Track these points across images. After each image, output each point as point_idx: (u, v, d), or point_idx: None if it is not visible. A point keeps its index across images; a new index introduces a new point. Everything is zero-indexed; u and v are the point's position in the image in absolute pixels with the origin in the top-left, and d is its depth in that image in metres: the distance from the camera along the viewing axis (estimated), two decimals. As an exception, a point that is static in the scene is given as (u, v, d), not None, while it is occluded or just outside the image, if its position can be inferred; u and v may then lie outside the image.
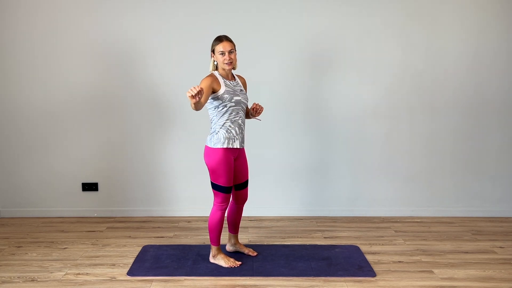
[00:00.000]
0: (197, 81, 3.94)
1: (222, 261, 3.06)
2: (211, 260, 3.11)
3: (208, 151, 2.93)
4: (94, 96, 3.98)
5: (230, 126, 2.91)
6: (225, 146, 2.89)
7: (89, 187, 4.10)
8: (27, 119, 4.00)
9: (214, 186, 2.97)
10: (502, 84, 3.99)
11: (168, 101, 4.00)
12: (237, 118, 2.94)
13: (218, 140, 2.89)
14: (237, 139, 2.94)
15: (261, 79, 3.89)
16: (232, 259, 3.08)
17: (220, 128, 2.90)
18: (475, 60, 3.96)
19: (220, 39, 2.90)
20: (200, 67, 3.93)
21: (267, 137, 4.01)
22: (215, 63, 2.95)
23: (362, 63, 3.96)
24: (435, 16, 3.91)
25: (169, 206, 4.15)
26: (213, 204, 3.03)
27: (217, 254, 3.09)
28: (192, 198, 4.13)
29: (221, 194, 2.97)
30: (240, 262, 3.08)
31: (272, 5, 3.88)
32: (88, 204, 4.13)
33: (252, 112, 3.05)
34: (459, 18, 3.91)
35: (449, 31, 3.93)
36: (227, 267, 3.03)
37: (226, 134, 2.89)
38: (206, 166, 4.04)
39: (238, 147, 2.96)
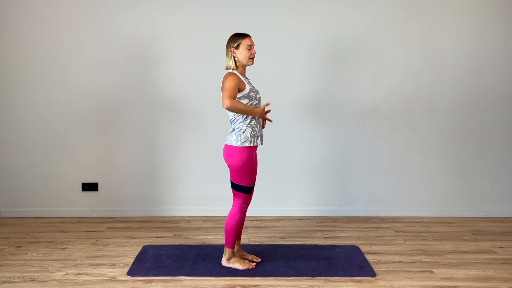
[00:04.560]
0: (200, 81, 3.96)
1: (237, 264, 3.01)
2: (225, 263, 3.04)
3: (234, 150, 2.86)
4: (94, 97, 3.98)
5: (254, 124, 2.89)
6: (252, 144, 2.86)
7: (89, 187, 4.10)
8: (27, 119, 4.00)
9: (236, 187, 2.91)
10: (502, 84, 4.00)
11: (168, 102, 4.00)
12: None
13: (246, 139, 2.84)
14: (259, 136, 2.92)
15: (259, 80, 3.89)
16: (247, 261, 3.05)
17: (247, 126, 2.86)
18: (475, 60, 3.96)
19: (245, 34, 2.87)
20: (197, 68, 3.94)
21: (266, 138, 4.00)
22: (236, 59, 2.88)
23: (362, 63, 3.96)
24: (435, 16, 3.91)
25: (169, 206, 4.15)
26: (233, 205, 2.97)
27: (232, 257, 3.03)
28: (192, 198, 4.13)
29: (243, 195, 2.92)
30: (255, 264, 3.06)
31: (272, 7, 3.88)
32: (88, 204, 4.13)
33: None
34: (459, 18, 3.91)
35: (449, 31, 3.93)
36: (244, 269, 2.98)
37: (252, 132, 2.86)
38: (202, 166, 4.07)
39: (261, 144, 2.95)
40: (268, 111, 3.03)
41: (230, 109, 2.72)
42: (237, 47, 2.86)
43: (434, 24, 3.92)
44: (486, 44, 3.94)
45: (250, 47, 2.85)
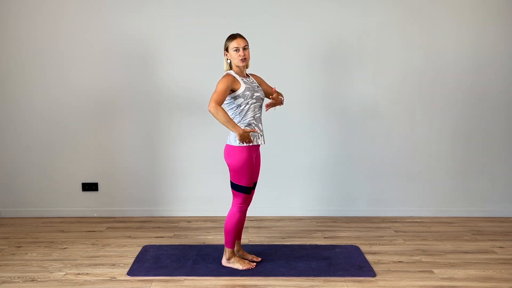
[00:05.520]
0: (200, 80, 3.96)
1: (237, 264, 3.01)
2: (225, 263, 3.05)
3: (233, 150, 2.86)
4: (94, 97, 3.98)
5: (254, 123, 2.89)
6: (251, 144, 2.85)
7: (89, 187, 4.10)
8: (27, 119, 4.00)
9: (235, 187, 2.91)
10: (502, 84, 4.00)
11: (168, 102, 3.99)
12: (259, 114, 2.93)
13: None
14: (261, 135, 2.92)
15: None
16: (247, 261, 3.05)
17: (245, 126, 2.86)
18: (475, 60, 3.96)
19: (233, 36, 2.88)
20: (198, 68, 3.94)
21: (266, 138, 4.00)
22: (229, 61, 2.91)
23: (362, 63, 3.96)
24: (435, 16, 3.91)
25: (169, 206, 4.15)
26: (232, 205, 2.97)
27: (232, 257, 3.03)
28: (192, 198, 4.13)
29: (242, 195, 2.92)
30: (255, 264, 3.06)
31: (272, 7, 3.88)
32: (88, 204, 4.13)
33: (270, 102, 2.98)
34: (459, 18, 3.91)
35: (449, 31, 3.93)
36: (244, 269, 2.98)
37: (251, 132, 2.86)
38: (207, 165, 4.08)
39: (262, 143, 2.94)
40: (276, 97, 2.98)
41: (212, 112, 2.70)
42: (227, 50, 2.89)
43: (434, 24, 3.92)
44: (486, 44, 3.94)
45: (237, 49, 2.84)
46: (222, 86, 2.75)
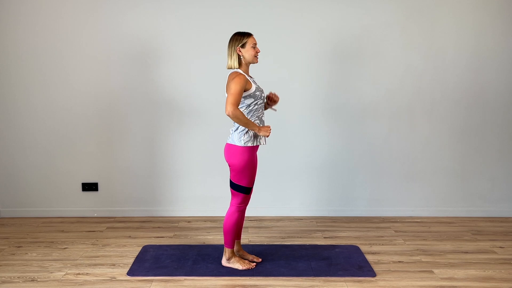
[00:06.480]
0: (200, 81, 3.96)
1: (237, 264, 3.01)
2: (225, 263, 3.05)
3: (236, 150, 2.83)
4: (95, 97, 3.98)
5: (258, 123, 2.88)
6: (255, 144, 2.84)
7: (89, 187, 4.10)
8: (27, 119, 4.01)
9: (235, 187, 2.90)
10: (502, 84, 4.00)
11: (168, 102, 4.00)
12: (262, 114, 2.92)
13: (249, 138, 2.82)
14: (262, 136, 2.89)
15: (259, 80, 3.89)
16: (247, 261, 3.05)
17: None
18: (475, 60, 3.96)
19: (249, 33, 2.84)
20: (198, 68, 3.94)
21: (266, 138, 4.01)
22: (241, 57, 2.84)
23: (362, 63, 3.96)
24: (435, 16, 3.91)
25: (169, 206, 4.15)
26: (231, 205, 2.97)
27: (232, 257, 3.03)
28: (192, 198, 4.13)
29: (241, 195, 2.92)
30: (255, 264, 3.06)
31: (272, 7, 3.88)
32: (88, 204, 4.13)
33: (268, 102, 3.01)
34: (459, 18, 3.92)
35: (449, 31, 3.93)
36: (244, 269, 2.98)
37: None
38: (201, 165, 4.08)
39: (265, 143, 2.92)
40: (271, 96, 3.01)
41: (231, 116, 2.68)
42: (243, 46, 2.82)
43: (434, 24, 3.92)
44: (486, 44, 3.94)
45: (255, 45, 2.84)
46: (238, 87, 2.70)
